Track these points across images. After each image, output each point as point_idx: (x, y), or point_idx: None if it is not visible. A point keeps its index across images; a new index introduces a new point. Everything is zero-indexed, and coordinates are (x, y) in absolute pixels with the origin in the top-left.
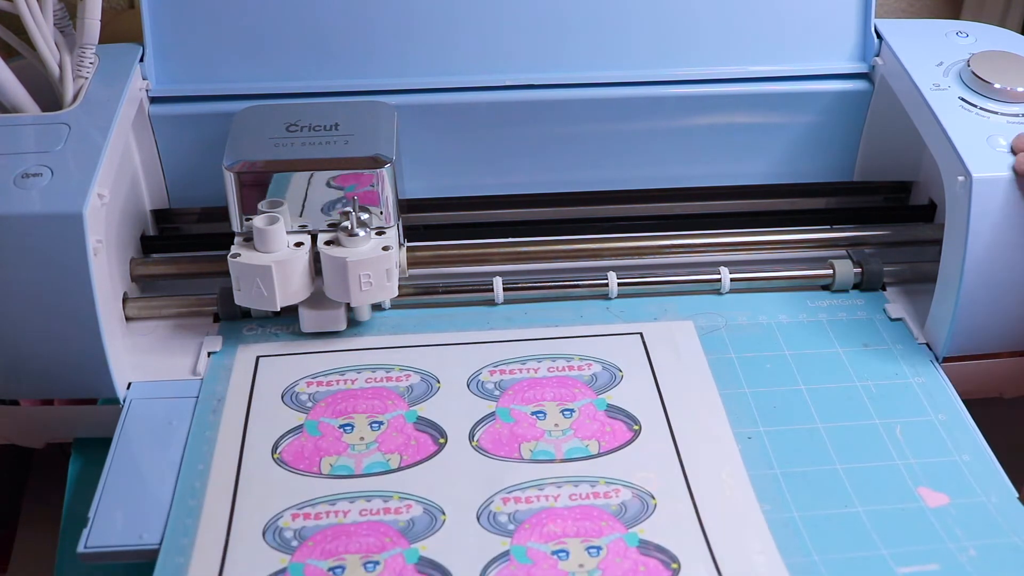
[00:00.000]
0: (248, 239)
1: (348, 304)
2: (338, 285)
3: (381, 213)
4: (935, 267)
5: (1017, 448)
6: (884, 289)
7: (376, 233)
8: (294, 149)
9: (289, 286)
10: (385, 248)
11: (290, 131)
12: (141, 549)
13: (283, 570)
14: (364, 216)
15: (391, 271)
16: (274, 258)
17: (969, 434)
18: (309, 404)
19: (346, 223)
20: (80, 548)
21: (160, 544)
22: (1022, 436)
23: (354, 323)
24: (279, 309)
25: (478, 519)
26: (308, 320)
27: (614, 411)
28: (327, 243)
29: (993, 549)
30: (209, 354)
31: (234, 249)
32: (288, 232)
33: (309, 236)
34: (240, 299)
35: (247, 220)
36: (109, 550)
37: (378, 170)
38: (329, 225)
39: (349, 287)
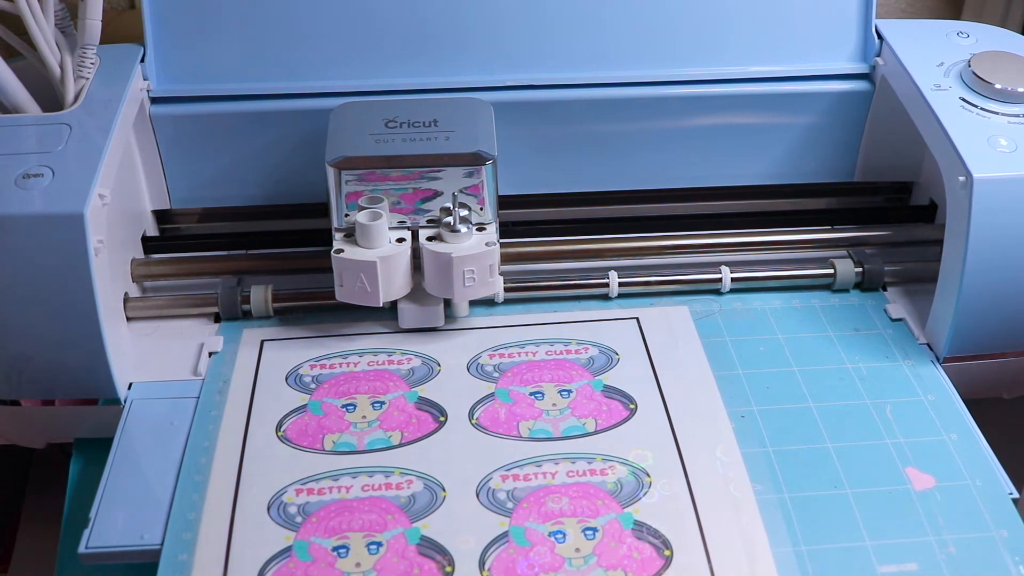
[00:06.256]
0: (348, 235)
1: (445, 300)
2: (441, 281)
3: (482, 209)
4: (936, 267)
5: (1017, 448)
6: (885, 289)
7: (477, 229)
8: (395, 145)
9: (392, 282)
10: (488, 244)
11: (389, 127)
12: (142, 549)
13: (288, 548)
14: (464, 212)
15: (494, 266)
16: (378, 254)
17: (957, 414)
18: (312, 385)
19: (448, 219)
20: (81, 548)
21: (161, 544)
22: (1022, 436)
23: (451, 319)
24: (382, 305)
25: (477, 496)
26: (408, 316)
27: (611, 391)
28: (429, 239)
29: (971, 545)
30: (210, 354)
31: (336, 245)
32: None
33: (409, 232)
34: (342, 295)
35: (346, 216)
36: (110, 550)
37: (481, 167)
38: (428, 221)
39: (453, 283)
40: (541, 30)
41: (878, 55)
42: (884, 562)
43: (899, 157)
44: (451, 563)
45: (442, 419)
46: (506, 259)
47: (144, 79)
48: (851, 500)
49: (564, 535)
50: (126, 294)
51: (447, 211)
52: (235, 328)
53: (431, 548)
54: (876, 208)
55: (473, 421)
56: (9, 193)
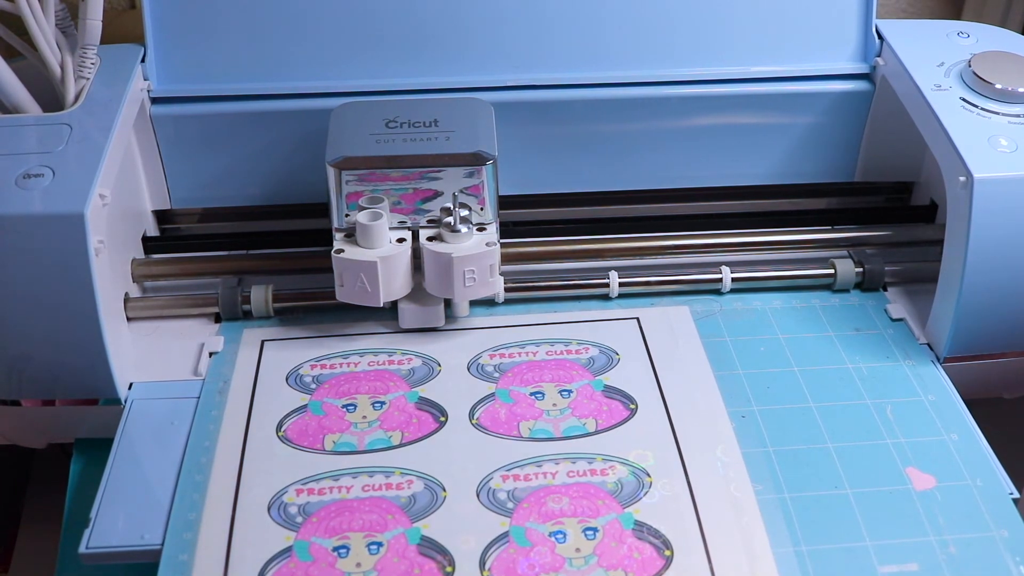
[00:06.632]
0: (349, 235)
1: (446, 300)
2: (441, 281)
3: (482, 209)
4: (936, 267)
5: (1017, 448)
6: (885, 289)
7: (477, 229)
8: (395, 145)
9: (393, 282)
10: (488, 244)
11: (390, 127)
12: (143, 549)
13: (289, 548)
14: (464, 212)
15: (494, 266)
16: (379, 254)
17: (958, 414)
18: (313, 386)
19: (448, 219)
20: (82, 548)
21: (162, 544)
22: (1022, 436)
23: (451, 319)
24: (382, 305)
25: (478, 496)
26: (408, 316)
27: (611, 391)
28: (429, 239)
29: (972, 545)
30: (210, 354)
31: (336, 245)
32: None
33: (409, 232)
34: (342, 295)
35: (347, 216)
36: (111, 550)
37: (481, 167)
38: (428, 221)
39: (453, 283)
40: (541, 30)
41: (878, 55)
42: (884, 562)
43: (899, 157)
44: (451, 563)
45: (442, 419)
46: (506, 259)
47: (144, 79)
48: (851, 500)
49: (564, 535)
50: (126, 294)
51: (447, 211)
52: (235, 328)
53: (431, 548)
54: (876, 208)
55: (473, 421)
56: (9, 193)
